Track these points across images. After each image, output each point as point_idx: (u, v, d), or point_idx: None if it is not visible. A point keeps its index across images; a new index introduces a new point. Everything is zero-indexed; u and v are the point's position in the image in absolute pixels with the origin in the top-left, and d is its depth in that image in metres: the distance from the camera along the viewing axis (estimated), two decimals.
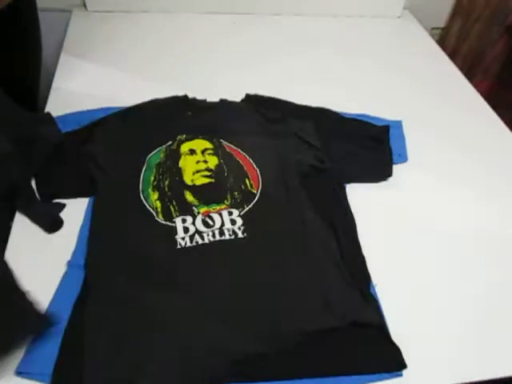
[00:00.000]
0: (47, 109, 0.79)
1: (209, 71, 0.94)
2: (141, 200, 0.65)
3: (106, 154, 0.70)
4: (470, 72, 1.10)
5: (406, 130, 0.83)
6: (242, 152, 0.73)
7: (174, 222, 0.63)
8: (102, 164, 0.69)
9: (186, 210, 0.64)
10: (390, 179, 0.75)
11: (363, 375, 0.52)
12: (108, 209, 0.64)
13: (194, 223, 0.62)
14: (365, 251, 0.63)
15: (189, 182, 0.68)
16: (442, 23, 1.26)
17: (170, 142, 0.74)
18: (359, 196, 0.70)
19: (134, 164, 0.70)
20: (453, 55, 1.15)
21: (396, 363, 0.53)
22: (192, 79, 0.90)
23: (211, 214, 0.64)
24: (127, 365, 0.50)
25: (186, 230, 0.62)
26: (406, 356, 0.53)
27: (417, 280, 0.62)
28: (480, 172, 0.79)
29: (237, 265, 0.59)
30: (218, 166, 0.71)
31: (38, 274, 0.58)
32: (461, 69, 1.04)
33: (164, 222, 0.63)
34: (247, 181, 0.69)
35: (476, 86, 0.99)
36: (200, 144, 0.74)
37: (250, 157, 0.72)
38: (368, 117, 0.84)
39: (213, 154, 0.72)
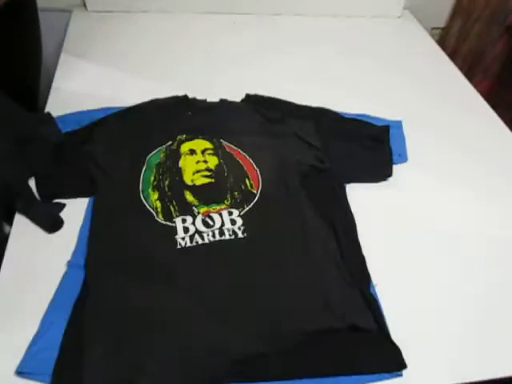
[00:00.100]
0: (47, 109, 0.79)
1: (209, 71, 0.94)
2: (141, 200, 0.65)
3: (106, 154, 0.70)
4: (469, 72, 1.10)
5: (406, 129, 0.83)
6: (242, 152, 0.73)
7: (174, 222, 0.63)
8: (102, 164, 0.69)
9: (186, 210, 0.64)
10: (390, 179, 0.75)
11: (363, 375, 0.52)
12: (108, 209, 0.64)
13: (194, 223, 0.62)
14: (365, 251, 0.63)
15: (189, 182, 0.68)
16: (442, 23, 1.26)
17: (170, 142, 0.74)
18: (359, 196, 0.70)
19: (134, 164, 0.70)
20: (453, 55, 1.15)
21: (396, 363, 0.53)
22: (192, 79, 0.90)
23: (211, 214, 0.64)
24: (127, 365, 0.50)
25: (185, 229, 0.62)
26: (406, 356, 0.53)
27: (417, 280, 0.62)
28: (480, 172, 0.79)
29: (237, 265, 0.59)
30: (218, 166, 0.71)
31: (38, 274, 0.58)
32: (461, 69, 1.04)
33: (164, 222, 0.63)
34: (247, 181, 0.69)
35: (476, 86, 0.99)
36: (200, 144, 0.74)
37: (250, 157, 0.72)
38: (368, 117, 0.84)
39: (213, 154, 0.72)
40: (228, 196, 0.66)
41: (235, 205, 0.65)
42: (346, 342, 0.54)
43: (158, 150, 0.72)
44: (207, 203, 0.65)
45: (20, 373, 0.49)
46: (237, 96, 0.84)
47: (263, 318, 0.55)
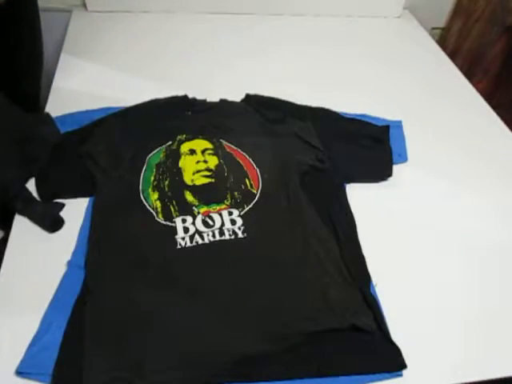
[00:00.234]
0: (47, 109, 0.79)
1: (209, 71, 0.94)
2: (141, 200, 0.65)
3: (106, 154, 0.70)
4: (469, 72, 1.10)
5: (406, 129, 0.83)
6: (241, 152, 0.73)
7: (174, 222, 0.63)
8: (102, 164, 0.69)
9: (186, 210, 0.64)
10: (390, 179, 0.75)
11: (363, 375, 0.52)
12: (108, 209, 0.64)
13: (194, 223, 0.62)
14: (365, 251, 0.63)
15: (189, 182, 0.68)
16: (442, 23, 1.26)
17: (170, 142, 0.74)
18: (359, 196, 0.70)
19: (134, 164, 0.70)
20: (453, 55, 1.15)
21: (396, 363, 0.53)
22: (192, 79, 0.90)
23: (211, 214, 0.64)
24: (127, 365, 0.50)
25: (186, 230, 0.62)
26: (406, 356, 0.53)
27: (417, 280, 0.62)
28: (480, 171, 0.79)
29: (237, 265, 0.59)
30: (218, 166, 0.71)
31: (38, 274, 0.58)
32: (461, 69, 1.04)
33: (164, 222, 0.63)
34: (247, 181, 0.69)
35: (476, 86, 0.99)
36: (200, 144, 0.74)
37: (250, 157, 0.72)
38: (368, 117, 0.84)
39: (213, 154, 0.72)
40: (228, 196, 0.66)
41: (235, 205, 0.65)
42: (346, 342, 0.54)
43: (158, 150, 0.72)
44: (207, 203, 0.65)
45: (20, 373, 0.49)
46: (237, 96, 0.84)
47: (263, 318, 0.55)
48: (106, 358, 0.50)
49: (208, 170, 0.70)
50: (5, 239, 0.61)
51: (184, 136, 0.75)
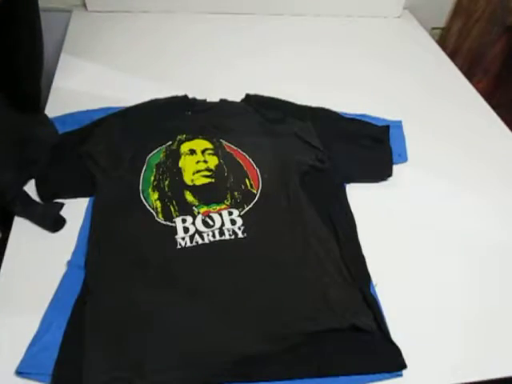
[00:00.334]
0: (47, 109, 0.79)
1: (209, 71, 0.94)
2: (141, 200, 0.65)
3: (106, 154, 0.70)
4: (469, 72, 1.10)
5: (406, 129, 0.83)
6: (241, 152, 0.73)
7: (174, 222, 0.63)
8: (102, 164, 0.69)
9: (186, 210, 0.64)
10: (390, 179, 0.75)
11: (363, 375, 0.52)
12: (108, 209, 0.64)
13: (194, 223, 0.62)
14: (365, 251, 0.63)
15: (189, 182, 0.68)
16: (442, 23, 1.26)
17: (170, 142, 0.74)
18: (359, 196, 0.70)
19: (134, 164, 0.70)
20: (453, 55, 1.15)
21: (396, 363, 0.53)
22: (192, 79, 0.90)
23: (211, 214, 0.64)
24: (127, 365, 0.50)
25: (185, 230, 0.62)
26: (406, 356, 0.53)
27: (417, 280, 0.62)
28: (480, 171, 0.79)
29: (237, 265, 0.59)
30: (218, 166, 0.71)
31: (38, 274, 0.58)
32: (461, 69, 1.04)
33: (164, 222, 0.63)
34: (247, 181, 0.69)
35: (476, 86, 0.99)
36: (200, 144, 0.74)
37: (250, 157, 0.72)
38: (368, 117, 0.84)
39: (213, 154, 0.72)
40: (228, 196, 0.66)
41: (235, 205, 0.65)
42: (346, 341, 0.54)
43: (158, 150, 0.72)
44: (207, 203, 0.65)
45: (20, 373, 0.49)
46: (237, 96, 0.84)
47: (263, 318, 0.55)
48: (106, 358, 0.50)
49: (208, 170, 0.70)
50: (5, 239, 0.61)
51: (184, 136, 0.75)
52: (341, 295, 0.57)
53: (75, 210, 0.65)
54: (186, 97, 0.82)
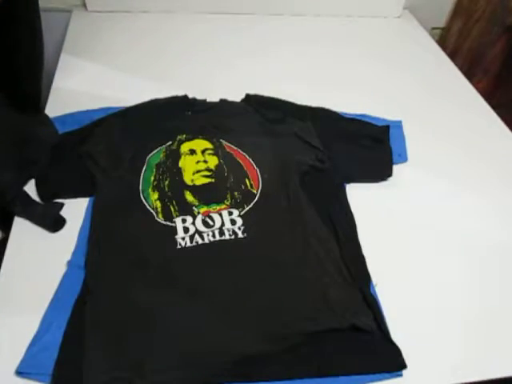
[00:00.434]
0: (47, 109, 0.79)
1: (209, 71, 0.94)
2: (141, 200, 0.65)
3: (106, 154, 0.70)
4: (469, 72, 1.10)
5: (406, 129, 0.83)
6: (241, 152, 0.73)
7: (174, 222, 0.63)
8: (102, 164, 0.69)
9: (186, 210, 0.64)
10: (390, 179, 0.75)
11: (363, 375, 0.52)
12: (108, 209, 0.64)
13: (194, 223, 0.62)
14: (365, 251, 0.63)
15: (189, 182, 0.68)
16: (442, 23, 1.26)
17: (170, 142, 0.74)
18: (359, 196, 0.70)
19: (134, 164, 0.70)
20: (453, 55, 1.15)
21: (396, 363, 0.53)
22: (192, 79, 0.90)
23: (211, 214, 0.64)
24: (127, 365, 0.50)
25: (185, 230, 0.62)
26: (406, 356, 0.53)
27: (417, 280, 0.62)
28: (480, 171, 0.79)
29: (237, 265, 0.59)
30: (218, 166, 0.71)
31: (38, 273, 0.58)
32: (461, 68, 1.04)
33: (164, 222, 0.63)
34: (247, 181, 0.69)
35: (476, 86, 0.99)
36: (200, 144, 0.74)
37: (250, 157, 0.72)
38: (368, 117, 0.84)
39: (213, 154, 0.72)
40: (228, 196, 0.66)
41: (235, 205, 0.65)
42: (346, 341, 0.54)
43: (158, 150, 0.72)
44: (207, 203, 0.65)
45: (20, 373, 0.49)
46: (237, 96, 0.84)
47: (263, 318, 0.55)
48: (106, 358, 0.50)
49: (208, 170, 0.70)
50: (5, 240, 0.61)
51: (184, 136, 0.75)
52: (341, 295, 0.57)
53: (75, 209, 0.65)
54: (186, 97, 0.82)
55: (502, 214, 0.73)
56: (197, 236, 0.61)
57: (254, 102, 0.83)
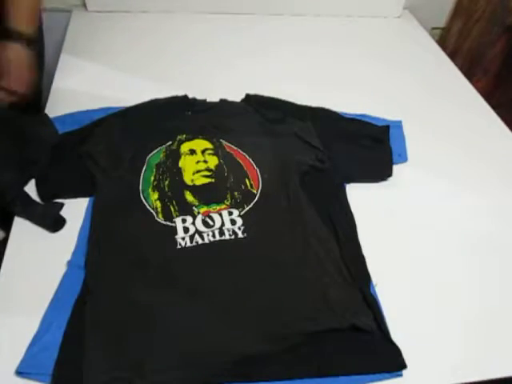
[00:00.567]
0: (47, 109, 0.79)
1: (208, 71, 0.94)
2: (141, 200, 0.65)
3: (106, 154, 0.70)
4: (469, 71, 1.10)
5: (406, 129, 0.83)
6: (241, 152, 0.73)
7: (174, 222, 0.63)
8: (102, 164, 0.69)
9: (186, 210, 0.64)
10: (390, 179, 0.75)
11: (363, 375, 0.52)
12: (108, 209, 0.64)
13: (194, 223, 0.62)
14: (365, 251, 0.63)
15: (189, 182, 0.68)
16: (442, 23, 1.26)
17: (170, 142, 0.74)
18: (359, 196, 0.70)
19: (134, 164, 0.70)
20: (453, 55, 1.15)
21: (396, 363, 0.53)
22: (192, 79, 0.90)
23: (211, 214, 0.64)
24: (127, 365, 0.50)
25: (185, 230, 0.62)
26: (406, 356, 0.53)
27: (417, 280, 0.62)
28: (480, 171, 0.79)
29: (237, 265, 0.59)
30: (218, 166, 0.71)
31: (38, 274, 0.58)
32: (460, 68, 1.04)
33: (164, 222, 0.63)
34: (247, 181, 0.69)
35: (476, 86, 0.99)
36: (200, 144, 0.74)
37: (250, 157, 0.72)
38: (368, 117, 0.84)
39: (213, 154, 0.72)
40: (228, 196, 0.66)
41: (235, 205, 0.65)
42: (346, 342, 0.54)
43: (158, 150, 0.72)
44: (207, 203, 0.65)
45: (20, 373, 0.49)
46: (237, 96, 0.84)
47: (263, 318, 0.55)
48: (106, 358, 0.50)
49: (208, 170, 0.70)
50: (5, 240, 0.61)
51: (184, 136, 0.75)
52: (341, 295, 0.57)
53: (75, 209, 0.65)
54: (185, 97, 0.82)
55: (502, 213, 0.73)
56: (197, 236, 0.61)
57: (254, 102, 0.83)
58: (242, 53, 1.00)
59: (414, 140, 0.81)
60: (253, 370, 0.51)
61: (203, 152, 0.73)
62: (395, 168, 0.75)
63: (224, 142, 0.75)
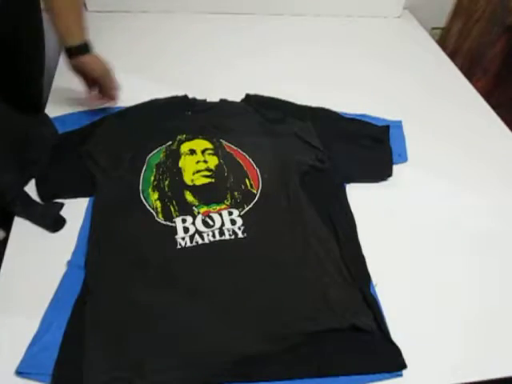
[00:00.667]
0: (47, 109, 0.79)
1: (208, 71, 0.94)
2: (141, 200, 0.65)
3: (106, 154, 0.70)
4: (469, 71, 1.10)
5: (406, 129, 0.83)
6: (241, 152, 0.73)
7: (174, 222, 0.63)
8: (102, 164, 0.69)
9: (186, 210, 0.64)
10: (390, 179, 0.75)
11: (363, 375, 0.52)
12: (108, 209, 0.64)
13: (194, 223, 0.62)
14: (365, 251, 0.63)
15: (189, 182, 0.68)
16: (442, 23, 1.26)
17: (170, 142, 0.74)
18: (359, 196, 0.70)
19: (134, 164, 0.70)
20: (453, 55, 1.15)
21: (396, 363, 0.53)
22: (192, 79, 0.90)
23: (211, 214, 0.64)
24: (127, 365, 0.50)
25: (186, 230, 0.62)
26: (406, 356, 0.53)
27: (417, 280, 0.62)
28: (480, 171, 0.79)
29: (237, 265, 0.59)
30: (218, 166, 0.71)
31: (38, 274, 0.58)
32: (460, 68, 1.04)
33: (164, 222, 0.63)
34: (247, 181, 0.69)
35: (476, 86, 0.99)
36: (200, 144, 0.74)
37: (249, 157, 0.72)
38: (368, 117, 0.84)
39: (213, 154, 0.72)
40: (228, 196, 0.66)
41: (235, 205, 0.65)
42: (346, 342, 0.54)
43: (158, 150, 0.72)
44: (207, 203, 0.65)
45: (20, 373, 0.49)
46: (237, 96, 0.84)
47: (263, 318, 0.55)
48: (106, 358, 0.50)
49: (208, 170, 0.70)
50: (5, 239, 0.61)
51: (184, 136, 0.75)
52: (341, 295, 0.57)
53: (75, 210, 0.65)
54: (186, 97, 0.82)
55: (502, 213, 0.73)
56: (197, 236, 0.61)
57: (254, 102, 0.83)
58: (242, 53, 1.00)
59: (413, 140, 0.81)
60: (253, 370, 0.51)
61: (203, 152, 0.73)
62: (395, 168, 0.75)
63: (224, 142, 0.75)
